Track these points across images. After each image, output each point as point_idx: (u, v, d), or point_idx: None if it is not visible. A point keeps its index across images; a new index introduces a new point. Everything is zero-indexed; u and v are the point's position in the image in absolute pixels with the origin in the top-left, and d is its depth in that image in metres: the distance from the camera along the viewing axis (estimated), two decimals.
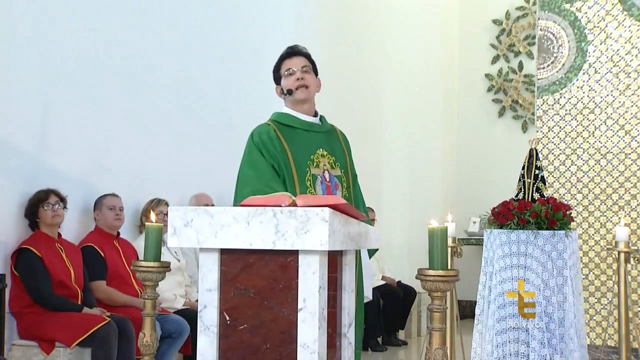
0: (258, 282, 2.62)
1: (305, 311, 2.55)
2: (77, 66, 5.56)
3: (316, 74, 3.69)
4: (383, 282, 8.49)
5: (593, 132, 6.90)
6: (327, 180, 3.54)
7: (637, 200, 6.70)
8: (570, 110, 6.99)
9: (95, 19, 5.73)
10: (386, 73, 9.91)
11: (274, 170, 3.48)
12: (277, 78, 3.68)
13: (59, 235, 5.13)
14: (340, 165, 3.62)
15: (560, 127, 7.01)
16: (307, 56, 3.68)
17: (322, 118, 3.72)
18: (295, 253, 2.60)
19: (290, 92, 3.57)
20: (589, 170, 6.87)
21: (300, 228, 2.54)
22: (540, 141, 6.95)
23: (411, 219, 9.83)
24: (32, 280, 4.85)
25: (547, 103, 7.08)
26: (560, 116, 7.02)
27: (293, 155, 3.51)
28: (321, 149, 3.58)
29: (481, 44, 11.57)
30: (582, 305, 4.68)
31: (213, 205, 6.18)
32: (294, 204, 2.66)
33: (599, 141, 6.87)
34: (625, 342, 5.45)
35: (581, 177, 6.89)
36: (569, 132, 6.98)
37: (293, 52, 3.66)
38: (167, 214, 5.07)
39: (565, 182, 6.94)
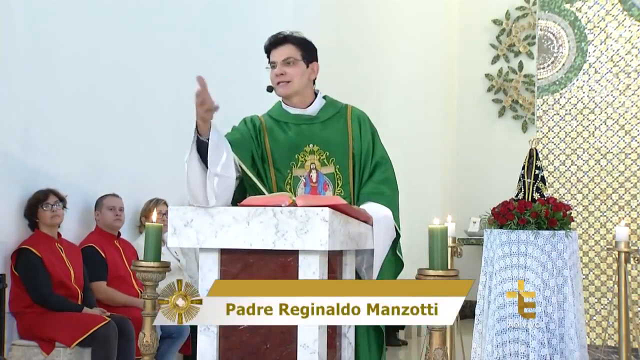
0: None
1: None
2: (77, 66, 5.56)
3: (311, 59, 3.31)
4: None
5: (593, 132, 6.90)
6: (314, 181, 3.27)
7: (637, 200, 6.70)
8: (570, 110, 6.99)
9: (94, 19, 5.73)
10: (386, 73, 9.91)
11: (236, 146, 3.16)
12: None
13: (59, 235, 5.13)
14: (335, 161, 3.29)
15: (560, 127, 7.01)
16: (296, 42, 3.29)
17: (328, 103, 3.39)
18: (295, 253, 2.60)
19: (270, 88, 3.31)
20: (589, 170, 6.88)
21: (300, 228, 2.55)
22: (540, 141, 6.95)
23: (411, 219, 9.82)
24: (32, 280, 4.85)
25: (547, 103, 7.08)
26: (560, 116, 7.02)
27: (274, 156, 3.28)
28: (311, 145, 3.29)
29: (481, 44, 11.57)
30: (582, 305, 4.68)
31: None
32: (294, 204, 2.66)
33: (599, 141, 6.87)
34: (625, 342, 5.45)
35: (581, 177, 6.89)
36: (569, 132, 6.98)
37: (278, 41, 3.28)
38: (166, 214, 5.08)
39: (565, 182, 6.94)
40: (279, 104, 3.41)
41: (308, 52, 3.32)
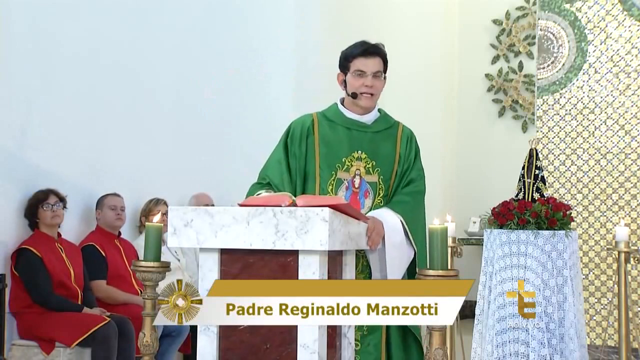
0: None
1: None
2: (77, 66, 5.56)
3: (385, 72, 3.44)
4: None
5: (593, 132, 6.90)
6: (356, 187, 3.33)
7: (637, 200, 6.70)
8: (570, 110, 6.99)
9: (94, 19, 5.73)
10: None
11: (287, 166, 3.34)
12: (344, 67, 3.43)
13: (59, 235, 5.13)
14: (380, 171, 3.36)
15: (560, 127, 7.01)
16: (383, 56, 3.41)
17: (381, 117, 3.48)
18: (295, 253, 2.60)
19: (354, 95, 3.37)
20: (589, 170, 6.88)
21: (300, 228, 2.55)
22: (540, 141, 6.95)
23: None
24: (32, 280, 4.85)
25: (547, 103, 7.08)
26: (560, 116, 7.02)
27: (321, 155, 3.35)
28: (359, 151, 3.36)
29: (481, 44, 11.56)
30: (582, 305, 4.68)
31: (213, 205, 6.18)
32: (294, 204, 2.66)
33: (599, 141, 6.87)
34: (625, 342, 5.45)
35: (581, 177, 6.89)
36: (569, 132, 6.98)
37: (371, 51, 3.38)
38: (166, 214, 5.08)
39: (565, 182, 6.94)
40: (336, 105, 3.49)
41: (386, 66, 3.43)
